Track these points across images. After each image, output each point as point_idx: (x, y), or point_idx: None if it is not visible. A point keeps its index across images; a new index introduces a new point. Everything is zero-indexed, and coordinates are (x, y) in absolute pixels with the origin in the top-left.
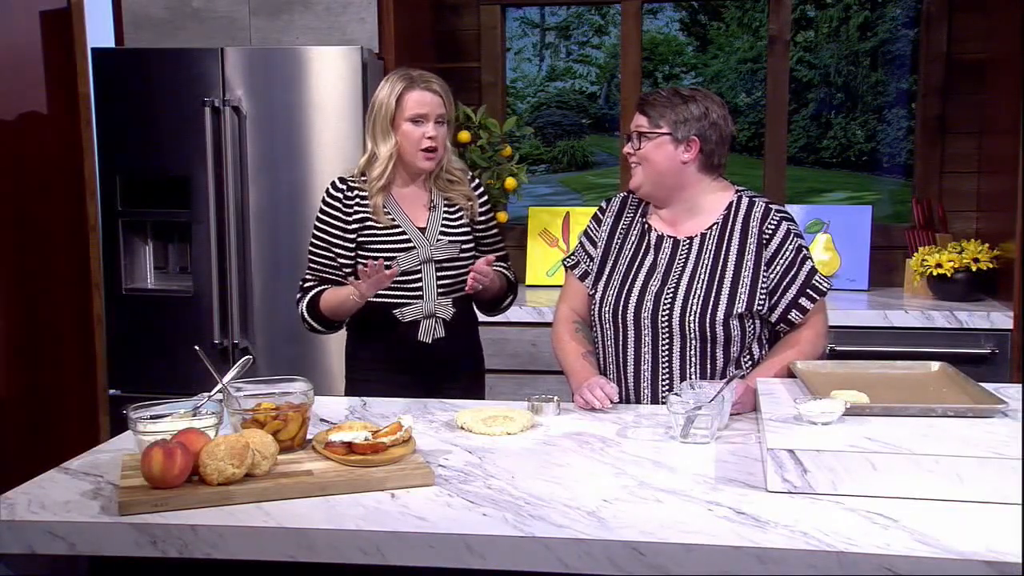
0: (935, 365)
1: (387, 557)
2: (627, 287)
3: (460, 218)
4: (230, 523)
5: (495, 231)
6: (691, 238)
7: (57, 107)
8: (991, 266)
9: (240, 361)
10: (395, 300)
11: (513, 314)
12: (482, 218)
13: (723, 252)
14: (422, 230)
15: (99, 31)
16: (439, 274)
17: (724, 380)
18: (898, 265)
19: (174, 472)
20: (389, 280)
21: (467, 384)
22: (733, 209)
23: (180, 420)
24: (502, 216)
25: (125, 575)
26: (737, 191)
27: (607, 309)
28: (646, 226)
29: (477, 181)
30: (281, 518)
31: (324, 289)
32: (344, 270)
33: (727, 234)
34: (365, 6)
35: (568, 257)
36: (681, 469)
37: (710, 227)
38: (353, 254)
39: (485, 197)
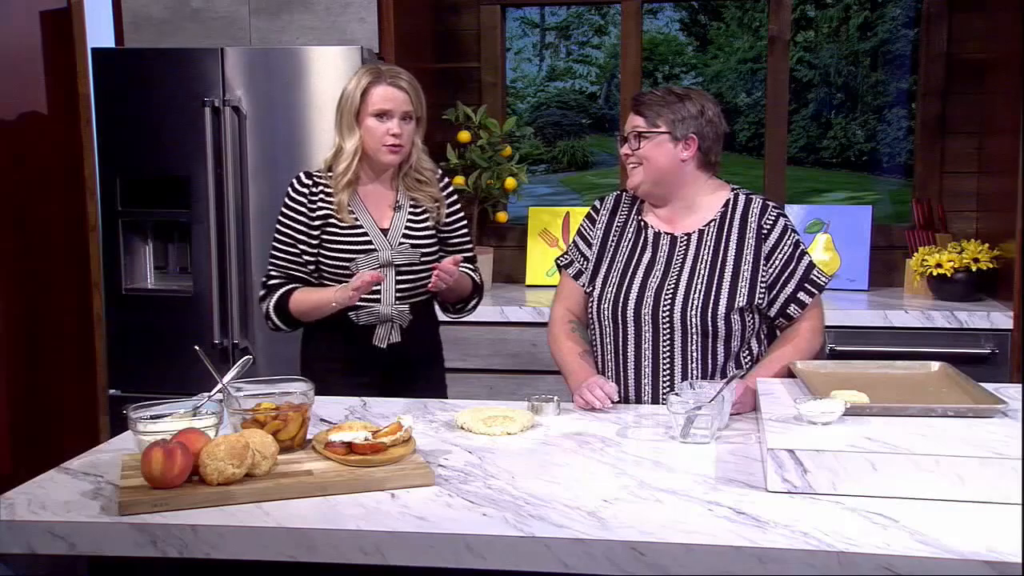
0: (935, 365)
1: (387, 557)
2: (626, 284)
3: (425, 220)
4: (230, 523)
5: (463, 232)
6: (688, 234)
7: (57, 107)
8: (991, 266)
9: (240, 361)
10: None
11: (513, 314)
12: (449, 219)
13: (722, 247)
14: (385, 231)
15: (99, 31)
16: (398, 278)
17: (724, 380)
18: (898, 265)
19: (174, 472)
20: (368, 289)
21: (426, 385)
22: (731, 206)
23: (180, 420)
24: (502, 216)
25: (125, 575)
26: (733, 189)
27: (606, 306)
28: (642, 223)
29: (447, 181)
30: (281, 518)
31: (293, 288)
32: (310, 267)
33: (725, 230)
34: (365, 6)
35: (561, 256)
36: (681, 469)
37: (708, 223)
38: (316, 251)
39: (455, 198)
